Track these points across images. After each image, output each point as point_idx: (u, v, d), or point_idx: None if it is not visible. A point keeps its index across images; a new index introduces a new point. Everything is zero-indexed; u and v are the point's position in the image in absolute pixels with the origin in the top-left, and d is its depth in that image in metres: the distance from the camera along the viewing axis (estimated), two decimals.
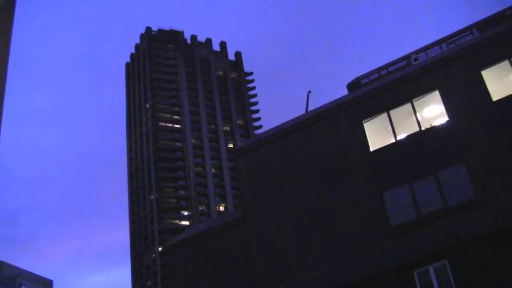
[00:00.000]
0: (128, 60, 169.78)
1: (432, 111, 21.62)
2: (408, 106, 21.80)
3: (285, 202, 22.59)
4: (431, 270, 18.26)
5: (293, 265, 21.31)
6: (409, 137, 21.43)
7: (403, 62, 28.28)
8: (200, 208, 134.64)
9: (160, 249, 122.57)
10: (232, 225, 24.14)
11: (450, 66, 21.48)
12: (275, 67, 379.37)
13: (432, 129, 21.18)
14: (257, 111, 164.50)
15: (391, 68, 28.23)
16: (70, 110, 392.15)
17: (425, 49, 28.51)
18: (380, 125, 22.23)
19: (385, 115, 22.14)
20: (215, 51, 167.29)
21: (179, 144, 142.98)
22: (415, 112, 21.60)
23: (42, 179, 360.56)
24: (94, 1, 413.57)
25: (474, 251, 17.87)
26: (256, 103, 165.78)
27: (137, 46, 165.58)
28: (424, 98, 21.68)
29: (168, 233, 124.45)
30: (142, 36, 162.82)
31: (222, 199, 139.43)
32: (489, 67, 20.83)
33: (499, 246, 17.63)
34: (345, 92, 29.56)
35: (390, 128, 21.86)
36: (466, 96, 20.73)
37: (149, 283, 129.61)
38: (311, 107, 28.25)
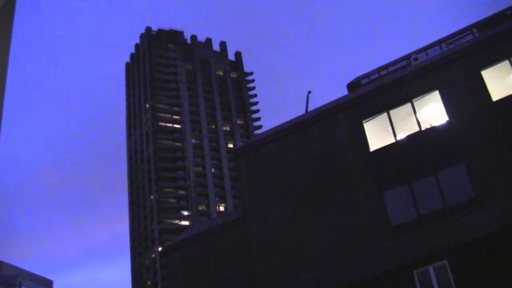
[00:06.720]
0: (128, 60, 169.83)
1: (432, 111, 21.61)
2: (408, 106, 21.80)
3: (285, 202, 22.59)
4: (431, 270, 18.28)
5: (293, 265, 21.30)
6: (409, 137, 21.43)
7: (403, 62, 28.25)
8: (200, 208, 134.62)
9: (160, 249, 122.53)
10: (232, 225, 24.14)
11: (450, 66, 21.48)
12: (275, 67, 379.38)
13: (432, 129, 21.17)
14: (257, 111, 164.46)
15: (391, 68, 28.20)
16: (70, 110, 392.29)
17: (425, 49, 28.48)
18: (380, 125, 22.23)
19: (385, 115, 22.15)
20: (215, 51, 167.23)
21: (179, 144, 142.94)
22: (415, 112, 21.60)
23: (41, 179, 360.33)
24: (94, 1, 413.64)
25: (474, 251, 17.87)
26: (256, 103, 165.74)
27: (137, 46, 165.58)
28: (424, 98, 21.68)
29: (168, 233, 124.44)
30: (142, 36, 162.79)
31: (222, 199, 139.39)
32: (489, 67, 20.83)
33: (499, 246, 17.63)
34: (345, 92, 29.56)
35: (390, 128, 21.86)
36: (466, 96, 20.73)
37: (149, 283, 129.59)
38: (311, 107, 28.27)
